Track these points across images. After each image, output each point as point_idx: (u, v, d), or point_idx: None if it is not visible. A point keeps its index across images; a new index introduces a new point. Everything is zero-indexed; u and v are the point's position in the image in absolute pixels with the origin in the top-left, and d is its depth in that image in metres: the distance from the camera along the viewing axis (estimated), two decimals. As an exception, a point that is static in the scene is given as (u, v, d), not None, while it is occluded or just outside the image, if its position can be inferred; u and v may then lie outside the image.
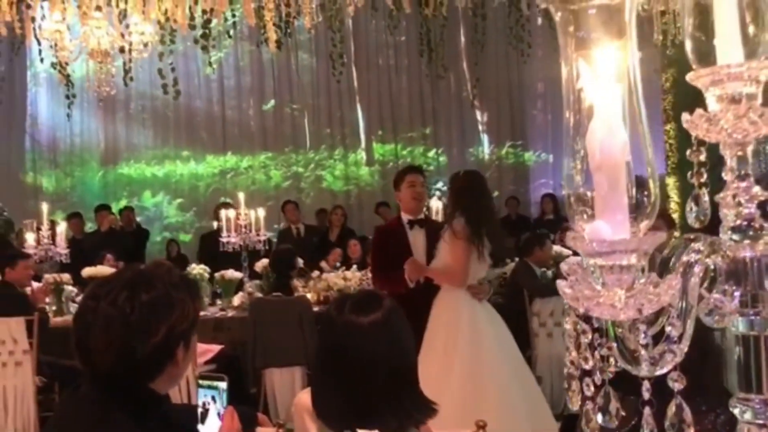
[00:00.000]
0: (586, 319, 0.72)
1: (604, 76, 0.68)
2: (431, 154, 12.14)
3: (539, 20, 8.07)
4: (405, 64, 11.72)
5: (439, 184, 11.02)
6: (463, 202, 4.06)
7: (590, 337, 0.71)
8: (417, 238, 4.31)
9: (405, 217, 4.40)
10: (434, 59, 7.68)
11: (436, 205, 6.72)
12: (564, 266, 0.89)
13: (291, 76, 11.83)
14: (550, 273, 5.87)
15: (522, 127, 12.18)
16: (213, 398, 1.79)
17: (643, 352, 0.69)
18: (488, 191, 4.37)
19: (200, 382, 1.76)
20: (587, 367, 0.71)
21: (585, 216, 0.72)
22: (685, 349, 0.69)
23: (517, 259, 6.31)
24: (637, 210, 0.70)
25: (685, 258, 0.75)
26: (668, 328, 0.70)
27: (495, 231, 4.17)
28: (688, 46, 0.81)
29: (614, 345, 0.70)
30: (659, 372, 0.70)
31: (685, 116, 0.80)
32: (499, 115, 12.10)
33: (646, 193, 0.71)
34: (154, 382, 1.54)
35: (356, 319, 1.69)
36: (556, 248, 6.18)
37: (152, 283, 1.54)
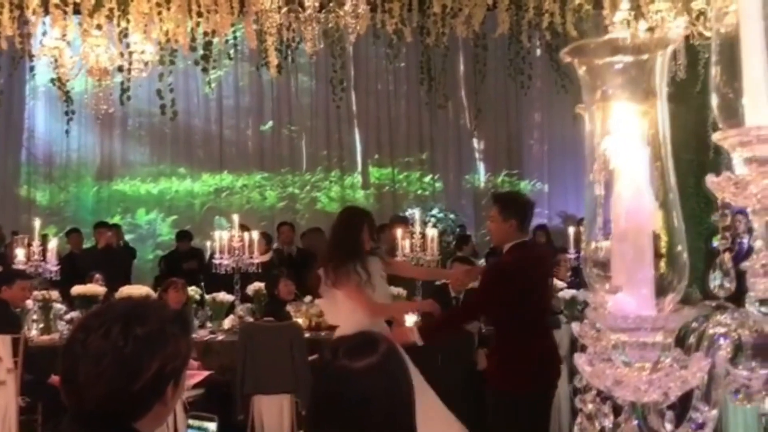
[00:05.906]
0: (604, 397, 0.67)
1: (631, 137, 0.64)
2: (427, 179, 12.13)
3: (538, 52, 8.09)
4: (404, 90, 11.75)
5: (434, 211, 10.97)
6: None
7: (611, 420, 0.66)
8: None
9: None
10: (434, 88, 7.67)
11: (432, 233, 6.64)
12: (575, 328, 0.84)
13: (290, 97, 11.85)
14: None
15: (518, 157, 12.19)
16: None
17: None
18: (353, 226, 4.25)
19: (190, 422, 1.70)
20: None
21: (606, 286, 0.67)
22: (712, 435, 0.64)
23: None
24: (662, 283, 0.65)
25: (711, 331, 0.70)
26: (693, 413, 0.64)
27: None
28: (714, 101, 0.76)
29: (635, 423, 0.65)
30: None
31: (710, 177, 0.75)
32: (496, 144, 12.11)
33: (673, 264, 0.66)
34: (139, 422, 1.48)
35: (350, 364, 1.62)
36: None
37: (147, 317, 1.49)
